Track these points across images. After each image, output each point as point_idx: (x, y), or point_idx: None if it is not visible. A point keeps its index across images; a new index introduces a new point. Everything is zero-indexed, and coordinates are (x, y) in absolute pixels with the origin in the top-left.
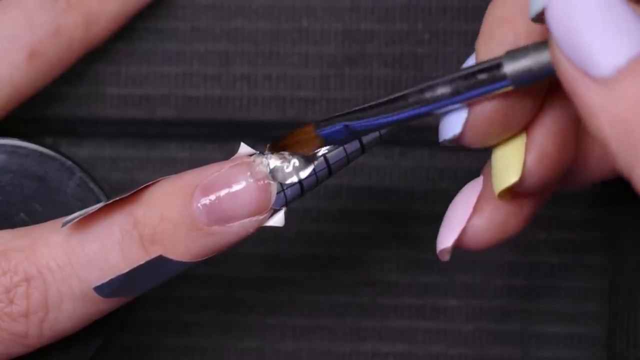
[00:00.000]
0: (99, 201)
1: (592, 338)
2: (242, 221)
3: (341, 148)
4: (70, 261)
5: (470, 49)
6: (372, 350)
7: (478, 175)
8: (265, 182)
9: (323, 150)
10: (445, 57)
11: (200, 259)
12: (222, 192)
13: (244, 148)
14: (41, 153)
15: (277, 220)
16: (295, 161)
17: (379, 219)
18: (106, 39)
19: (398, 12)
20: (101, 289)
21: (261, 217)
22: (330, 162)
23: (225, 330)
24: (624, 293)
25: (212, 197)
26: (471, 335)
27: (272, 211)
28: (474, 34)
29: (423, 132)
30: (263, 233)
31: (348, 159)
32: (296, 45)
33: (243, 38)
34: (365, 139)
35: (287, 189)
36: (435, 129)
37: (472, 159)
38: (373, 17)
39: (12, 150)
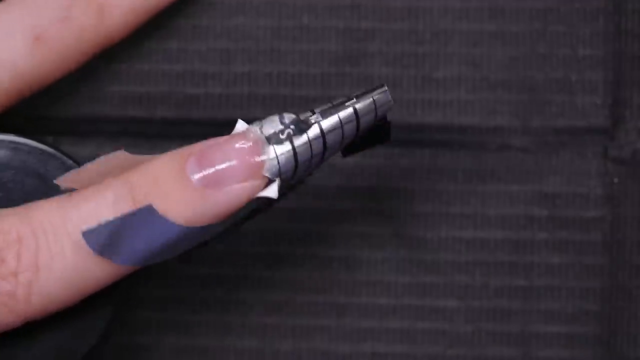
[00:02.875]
0: None
1: (592, 338)
2: (235, 186)
3: (336, 117)
4: (63, 220)
5: (470, 48)
6: (372, 350)
7: (478, 175)
8: (259, 144)
9: (316, 117)
10: (446, 57)
11: (193, 225)
12: (215, 155)
13: (241, 124)
14: (43, 151)
15: (271, 191)
16: (289, 129)
17: (378, 219)
18: (126, 34)
19: (399, 11)
20: (89, 236)
21: (255, 183)
22: (325, 131)
23: (224, 330)
24: (624, 293)
25: (206, 160)
26: (471, 335)
27: (265, 181)
28: (475, 33)
29: (423, 132)
30: (263, 233)
31: (343, 131)
32: (297, 44)
33: (244, 36)
34: (362, 114)
35: (280, 155)
36: (435, 129)
37: (472, 159)
38: (374, 15)
39: (15, 147)
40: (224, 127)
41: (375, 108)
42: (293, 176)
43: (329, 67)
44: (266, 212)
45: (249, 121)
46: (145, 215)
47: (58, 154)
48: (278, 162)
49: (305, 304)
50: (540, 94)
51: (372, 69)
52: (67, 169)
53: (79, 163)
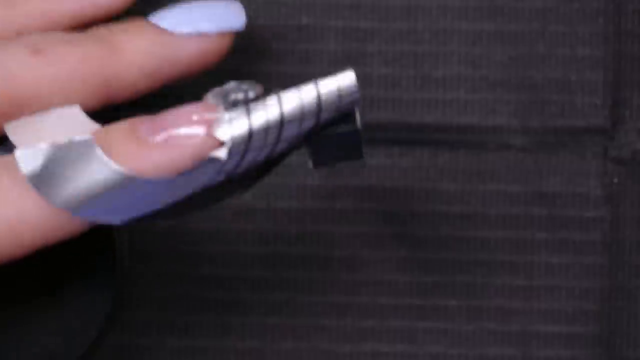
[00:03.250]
0: None
1: (592, 338)
2: (182, 138)
3: (296, 91)
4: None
5: (470, 48)
6: (372, 350)
7: (478, 175)
8: (212, 105)
9: (277, 90)
10: (445, 57)
11: (137, 174)
12: (168, 117)
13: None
14: None
15: (220, 152)
16: (247, 96)
17: (378, 218)
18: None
19: (398, 11)
20: (23, 158)
21: (205, 139)
22: (282, 102)
23: (225, 331)
24: (624, 293)
25: (157, 121)
26: (471, 335)
27: (217, 144)
28: (474, 33)
29: (422, 132)
30: (263, 233)
31: (303, 106)
32: (296, 43)
33: (243, 35)
34: (325, 95)
35: (233, 118)
36: (434, 129)
37: (471, 159)
38: (373, 15)
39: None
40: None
41: (339, 91)
42: (247, 145)
43: (329, 67)
44: (235, 196)
45: None
46: (84, 151)
47: None
48: (231, 125)
49: (305, 304)
50: (540, 93)
51: (371, 68)
52: None
53: None
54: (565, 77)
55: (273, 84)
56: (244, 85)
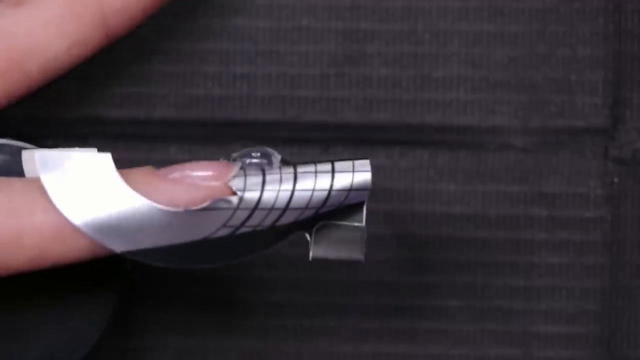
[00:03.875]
0: None
1: (592, 338)
2: (197, 180)
3: (312, 168)
4: None
5: (470, 49)
6: (373, 351)
7: (478, 176)
8: (229, 164)
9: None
10: (445, 58)
11: (159, 203)
12: (185, 166)
13: None
14: None
15: (233, 197)
16: (262, 160)
17: (379, 219)
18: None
19: (398, 12)
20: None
21: (219, 183)
22: (298, 175)
23: (226, 331)
24: (624, 293)
25: (176, 168)
26: (472, 335)
27: (230, 192)
28: (475, 34)
29: (423, 132)
30: None
31: (313, 192)
32: (296, 45)
33: (243, 37)
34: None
35: (248, 174)
36: (434, 129)
37: (471, 159)
38: (373, 16)
39: (18, 152)
40: (224, 128)
41: (351, 185)
42: (256, 206)
43: (328, 68)
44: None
45: (247, 123)
46: (105, 177)
47: None
48: (245, 176)
49: (306, 305)
50: (540, 94)
51: (371, 69)
52: None
53: None
54: (565, 77)
55: (273, 85)
56: (265, 151)
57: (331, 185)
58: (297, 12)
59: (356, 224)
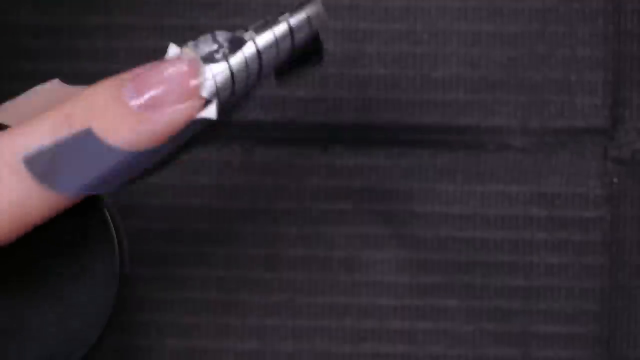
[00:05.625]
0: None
1: (592, 338)
2: (173, 108)
3: (271, 35)
4: (1, 152)
5: (469, 49)
6: (372, 351)
7: (478, 176)
8: (194, 65)
9: (251, 34)
10: (444, 57)
11: (133, 149)
12: (151, 77)
13: (173, 49)
14: None
15: (210, 112)
16: (224, 48)
17: (378, 219)
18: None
19: (397, 12)
20: (29, 163)
21: (193, 104)
22: (259, 46)
23: (224, 332)
24: (623, 293)
25: (142, 85)
26: (471, 335)
27: (203, 101)
28: (474, 34)
29: (422, 132)
30: (262, 234)
31: (278, 45)
32: None
33: None
34: (296, 26)
35: (216, 75)
36: (434, 129)
37: (471, 159)
38: (372, 16)
39: None
40: (222, 129)
41: (310, 22)
42: (231, 96)
43: (328, 67)
44: (211, 137)
45: (247, 123)
46: (84, 139)
47: None
48: (215, 82)
49: (305, 305)
50: (540, 94)
51: (371, 69)
52: None
53: None
54: (565, 78)
55: (272, 85)
56: (218, 37)
57: (292, 41)
58: None
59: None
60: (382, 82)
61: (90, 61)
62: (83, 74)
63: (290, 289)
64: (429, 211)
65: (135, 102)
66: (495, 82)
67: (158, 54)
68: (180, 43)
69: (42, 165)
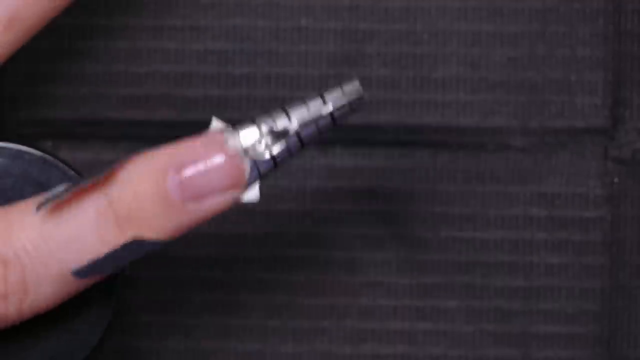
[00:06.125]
0: None
1: (592, 338)
2: (216, 198)
3: (313, 123)
4: (47, 243)
5: (469, 49)
6: (372, 352)
7: (478, 176)
8: (238, 158)
9: (295, 126)
10: (444, 58)
11: (175, 236)
12: (195, 169)
13: (216, 123)
14: (45, 160)
15: (252, 195)
16: (268, 139)
17: (378, 220)
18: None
19: (397, 12)
20: (79, 273)
21: (235, 193)
22: (303, 136)
23: (225, 333)
24: (624, 293)
25: (186, 174)
26: (471, 336)
27: (246, 186)
28: (474, 34)
29: (422, 133)
30: (263, 235)
31: (320, 133)
32: (295, 45)
33: (242, 37)
34: (337, 110)
35: (260, 165)
36: (434, 130)
37: (471, 160)
38: (372, 16)
39: (17, 155)
40: None
41: (350, 104)
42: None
43: (327, 68)
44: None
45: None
46: (132, 243)
47: (60, 164)
48: (258, 172)
49: (305, 306)
50: (540, 94)
51: (370, 70)
52: (68, 179)
53: (80, 173)
54: (565, 78)
55: (272, 85)
56: (262, 128)
57: (334, 124)
58: (296, 13)
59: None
60: (382, 83)
61: (90, 61)
62: (83, 74)
63: (291, 289)
64: (429, 212)
65: (180, 197)
66: (495, 83)
67: (158, 54)
68: (181, 43)
69: (89, 268)
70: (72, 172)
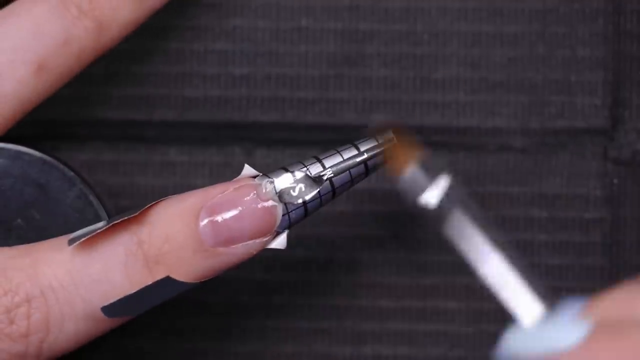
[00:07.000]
0: (97, 214)
1: None
2: (246, 243)
3: (347, 171)
4: (74, 281)
5: (469, 50)
6: (373, 353)
7: (478, 177)
8: (271, 204)
9: (329, 173)
10: (444, 58)
11: (204, 279)
12: (227, 214)
13: (248, 169)
14: (45, 161)
15: (280, 242)
16: (301, 185)
17: (378, 221)
18: (116, 46)
19: (397, 13)
20: (107, 310)
21: (265, 239)
22: (335, 185)
23: (225, 334)
24: None
25: (217, 218)
26: (472, 337)
27: (275, 233)
28: (474, 34)
29: (422, 134)
30: None
31: (352, 182)
32: (295, 45)
33: (242, 38)
34: (370, 162)
35: (291, 211)
36: (434, 130)
37: (471, 160)
38: (372, 17)
39: (16, 156)
40: (223, 130)
41: (382, 150)
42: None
43: (328, 69)
44: None
45: (247, 124)
46: (160, 283)
47: (60, 165)
48: (289, 219)
49: (305, 307)
50: (540, 95)
51: (371, 70)
52: (68, 180)
53: (80, 174)
54: (565, 78)
55: (272, 86)
56: (296, 175)
57: (366, 172)
58: (296, 13)
59: None
60: (382, 83)
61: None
62: (83, 74)
63: (291, 290)
64: (429, 212)
65: (212, 240)
66: (495, 83)
67: (158, 54)
68: (181, 43)
69: (117, 309)
70: (72, 173)
